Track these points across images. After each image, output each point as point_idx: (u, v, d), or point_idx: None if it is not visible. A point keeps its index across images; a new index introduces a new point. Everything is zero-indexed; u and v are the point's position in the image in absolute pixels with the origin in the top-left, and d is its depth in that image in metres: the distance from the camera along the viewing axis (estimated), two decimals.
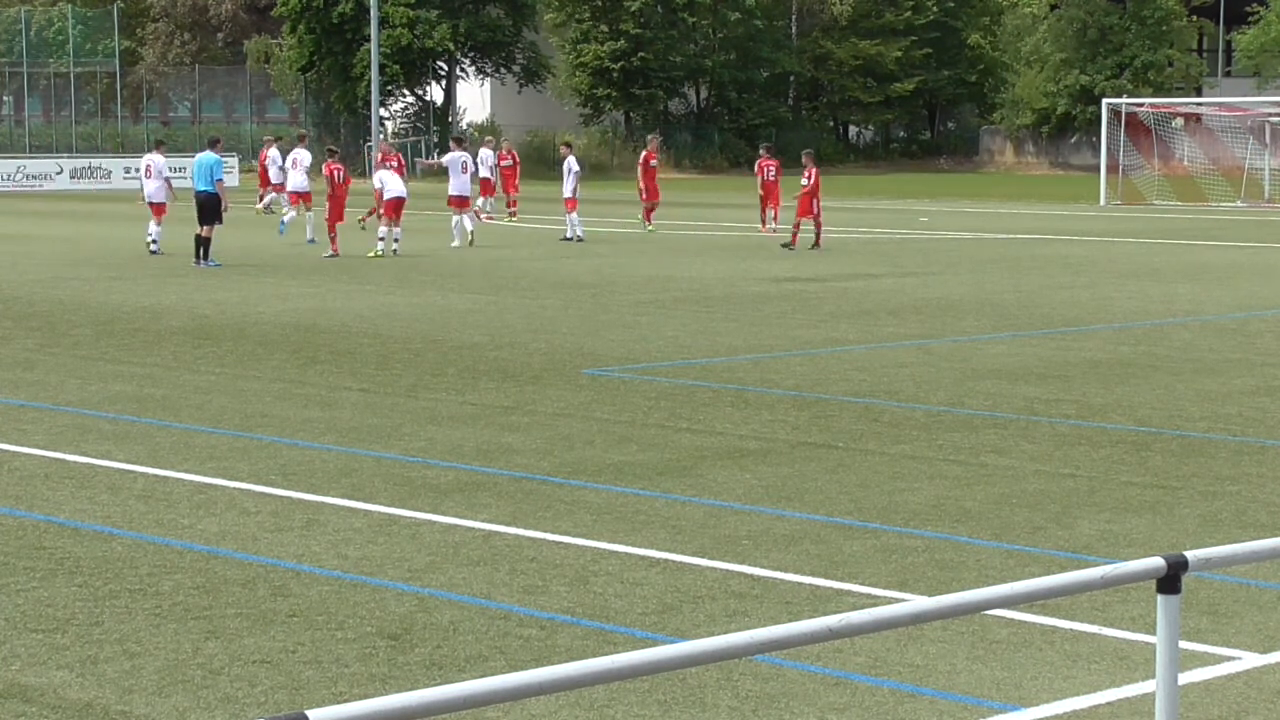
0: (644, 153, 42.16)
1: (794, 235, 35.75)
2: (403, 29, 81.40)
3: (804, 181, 35.68)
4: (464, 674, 7.89)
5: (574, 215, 38.35)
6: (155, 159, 34.93)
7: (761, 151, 42.55)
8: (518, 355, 18.76)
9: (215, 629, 8.60)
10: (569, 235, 38.23)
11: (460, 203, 36.91)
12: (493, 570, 9.75)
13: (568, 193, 38.38)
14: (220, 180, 31.78)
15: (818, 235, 35.69)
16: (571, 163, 38.90)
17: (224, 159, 34.32)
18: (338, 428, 14.28)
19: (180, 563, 9.90)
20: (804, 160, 36.34)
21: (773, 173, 41.33)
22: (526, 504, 11.42)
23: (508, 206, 46.49)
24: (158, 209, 34.07)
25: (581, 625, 8.72)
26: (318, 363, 18.17)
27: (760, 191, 41.55)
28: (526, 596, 9.21)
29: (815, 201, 35.45)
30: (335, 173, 34.51)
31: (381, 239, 33.35)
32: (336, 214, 33.59)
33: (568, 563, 9.92)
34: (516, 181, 47.81)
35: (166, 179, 34.56)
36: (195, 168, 32.28)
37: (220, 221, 31.45)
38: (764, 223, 41.08)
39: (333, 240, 33.50)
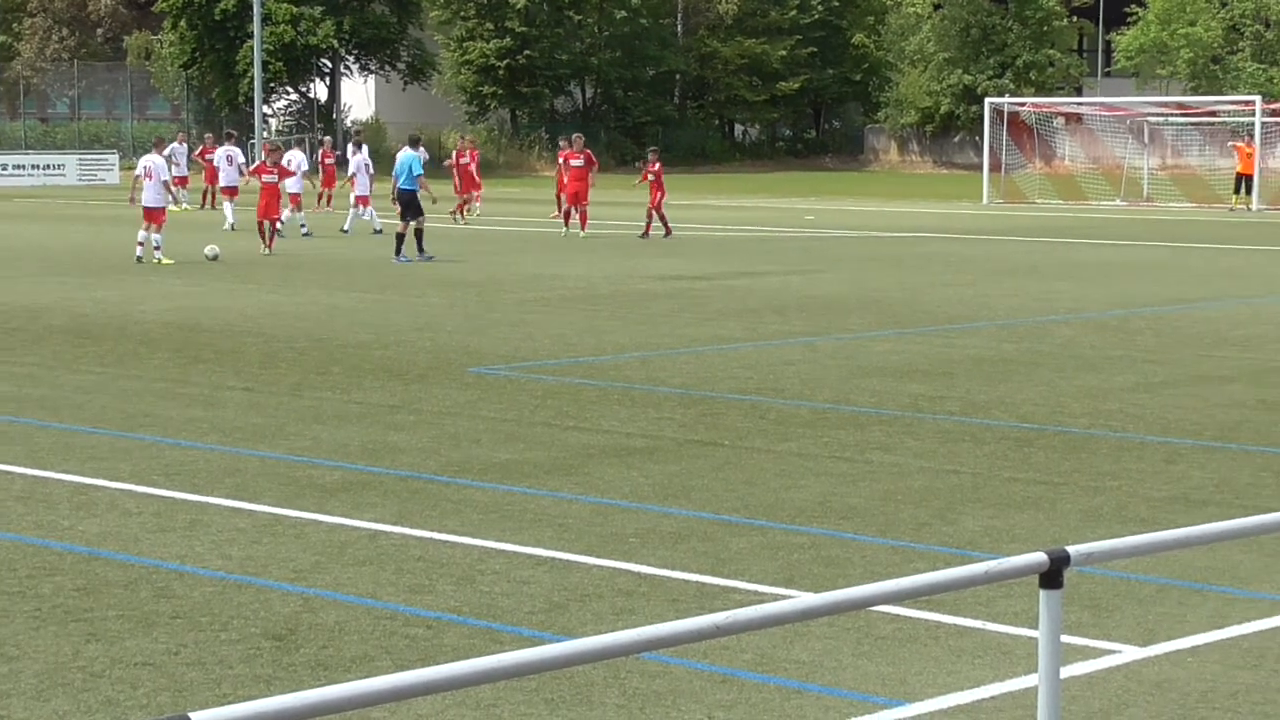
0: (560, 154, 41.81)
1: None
2: (286, 26, 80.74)
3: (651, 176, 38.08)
4: (350, 674, 7.84)
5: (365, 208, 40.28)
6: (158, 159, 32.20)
7: (572, 143, 41.23)
8: (403, 354, 18.68)
9: (96, 631, 8.50)
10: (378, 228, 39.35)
11: (231, 192, 41.88)
12: (379, 570, 9.70)
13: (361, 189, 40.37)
14: (420, 176, 32.45)
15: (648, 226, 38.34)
16: (364, 158, 40.87)
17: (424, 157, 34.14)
18: (221, 427, 14.15)
19: (60, 564, 9.78)
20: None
21: (582, 162, 41.26)
22: (413, 503, 11.37)
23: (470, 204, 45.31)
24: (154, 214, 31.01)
25: (468, 624, 8.69)
26: (201, 362, 18.00)
27: (560, 184, 41.06)
28: (413, 596, 9.17)
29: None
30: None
31: (141, 243, 31.10)
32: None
33: (454, 562, 9.89)
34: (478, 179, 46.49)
35: (165, 181, 31.69)
36: (398, 166, 32.68)
37: (422, 214, 32.30)
38: (563, 214, 41.15)
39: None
